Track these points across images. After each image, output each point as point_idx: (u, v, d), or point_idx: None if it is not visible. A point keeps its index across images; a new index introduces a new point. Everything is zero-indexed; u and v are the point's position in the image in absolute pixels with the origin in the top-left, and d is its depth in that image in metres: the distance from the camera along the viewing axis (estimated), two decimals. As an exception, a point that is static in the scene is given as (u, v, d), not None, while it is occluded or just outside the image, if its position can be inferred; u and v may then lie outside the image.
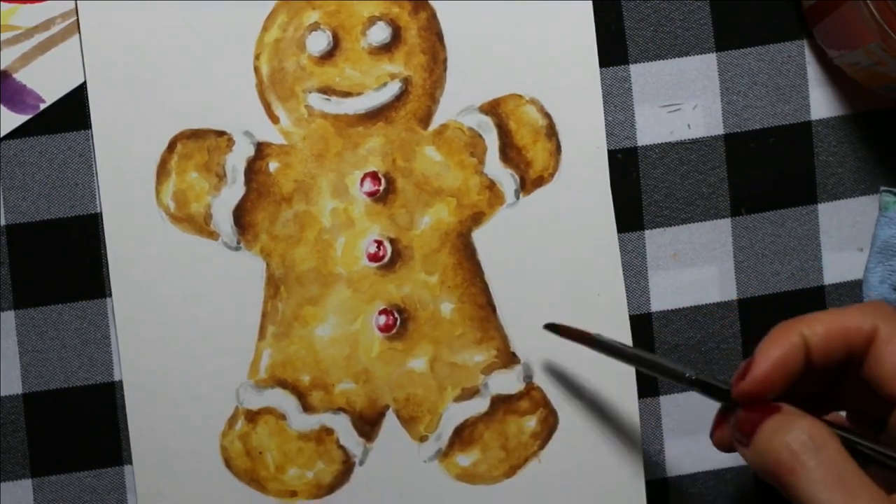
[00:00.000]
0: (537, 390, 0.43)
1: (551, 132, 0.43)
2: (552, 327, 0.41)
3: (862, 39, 0.39)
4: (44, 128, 0.43)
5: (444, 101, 0.43)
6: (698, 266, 0.44)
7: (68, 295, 0.43)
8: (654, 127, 0.44)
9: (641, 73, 0.43)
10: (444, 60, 0.43)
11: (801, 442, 0.31)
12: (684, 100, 0.44)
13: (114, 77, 0.42)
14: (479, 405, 0.43)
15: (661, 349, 0.43)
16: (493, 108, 0.43)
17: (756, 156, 0.44)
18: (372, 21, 0.43)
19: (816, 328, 0.33)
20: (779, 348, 0.33)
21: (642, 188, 0.43)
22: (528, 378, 0.43)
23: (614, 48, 0.43)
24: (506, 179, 0.43)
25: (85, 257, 0.43)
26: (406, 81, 0.43)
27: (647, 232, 0.43)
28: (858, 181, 0.44)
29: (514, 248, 0.43)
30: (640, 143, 0.43)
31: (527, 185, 0.43)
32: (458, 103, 0.43)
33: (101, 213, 0.43)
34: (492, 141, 0.43)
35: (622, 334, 0.43)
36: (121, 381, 0.43)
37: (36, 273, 0.43)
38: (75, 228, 0.43)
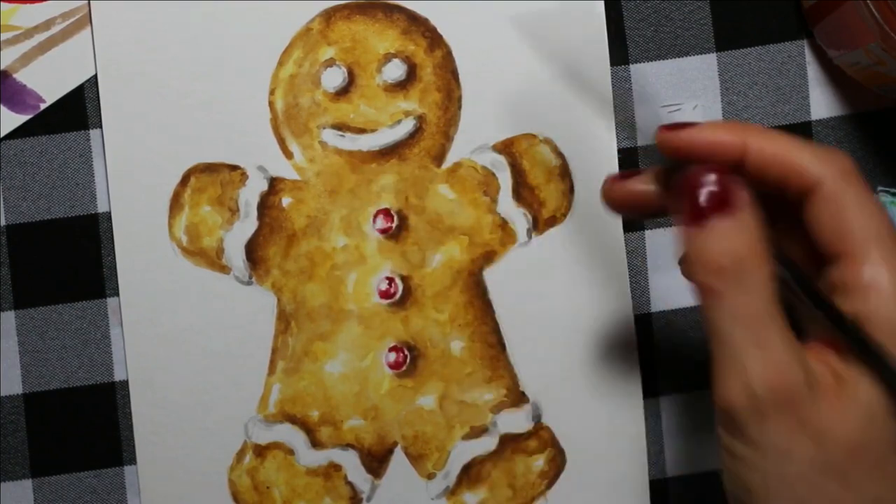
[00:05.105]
0: (546, 430, 0.43)
1: (565, 172, 0.43)
2: None
3: (862, 39, 0.39)
4: (44, 128, 0.43)
5: (457, 139, 0.43)
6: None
7: (68, 295, 0.43)
8: (654, 127, 0.43)
9: (641, 73, 0.43)
10: (459, 98, 0.43)
11: (733, 258, 0.29)
12: (684, 100, 0.43)
13: (128, 110, 0.42)
14: (488, 444, 0.43)
15: (661, 349, 0.43)
16: (506, 147, 0.43)
17: (756, 155, 0.44)
18: (387, 58, 0.43)
19: (764, 146, 0.31)
20: (720, 132, 0.32)
21: (642, 188, 0.43)
22: (537, 417, 0.43)
23: (614, 48, 0.43)
24: (518, 219, 0.43)
25: (85, 257, 0.43)
26: (420, 119, 0.43)
27: (647, 232, 0.43)
28: (858, 181, 0.44)
29: (526, 287, 0.43)
30: (640, 143, 0.43)
31: (539, 224, 0.43)
32: (471, 141, 0.43)
33: (101, 215, 0.43)
34: (505, 180, 0.43)
35: (632, 376, 0.43)
36: (121, 381, 0.43)
37: (36, 273, 0.43)
38: (75, 228, 0.43)
